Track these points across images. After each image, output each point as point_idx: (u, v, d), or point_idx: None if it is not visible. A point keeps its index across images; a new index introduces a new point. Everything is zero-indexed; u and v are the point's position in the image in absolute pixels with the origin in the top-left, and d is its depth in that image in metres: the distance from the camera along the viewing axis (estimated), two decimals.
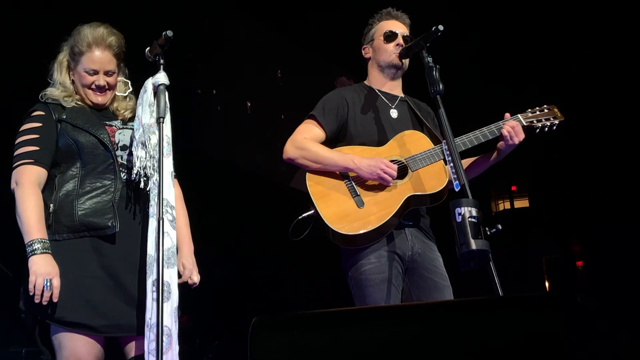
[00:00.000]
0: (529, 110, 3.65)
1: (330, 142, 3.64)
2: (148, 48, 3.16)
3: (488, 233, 2.85)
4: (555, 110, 3.68)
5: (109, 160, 3.18)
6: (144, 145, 3.12)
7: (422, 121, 3.70)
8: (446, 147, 3.21)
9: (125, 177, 3.19)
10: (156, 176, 3.02)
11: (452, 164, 3.11)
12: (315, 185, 3.46)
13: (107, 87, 3.29)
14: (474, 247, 2.79)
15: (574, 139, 7.89)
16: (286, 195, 7.02)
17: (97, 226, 3.08)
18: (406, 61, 3.69)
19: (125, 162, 3.21)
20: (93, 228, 3.08)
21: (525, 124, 3.57)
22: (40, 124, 3.21)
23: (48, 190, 3.15)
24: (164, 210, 2.94)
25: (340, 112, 3.65)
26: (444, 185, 3.41)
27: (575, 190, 8.83)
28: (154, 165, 3.08)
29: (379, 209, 3.36)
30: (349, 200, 3.40)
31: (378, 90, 3.74)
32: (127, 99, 3.42)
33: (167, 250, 2.91)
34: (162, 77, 3.14)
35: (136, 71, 3.42)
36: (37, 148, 3.15)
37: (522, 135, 3.50)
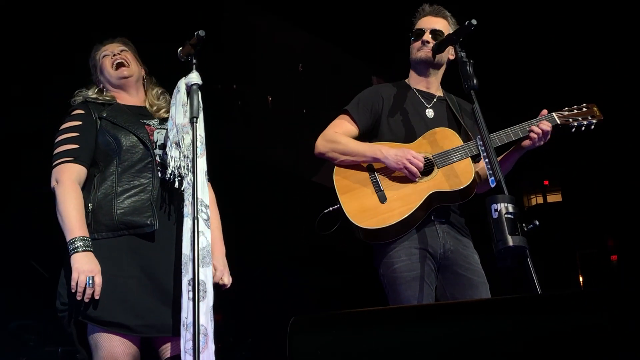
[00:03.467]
0: (566, 108, 3.60)
1: (364, 137, 3.63)
2: (180, 48, 3.17)
3: (525, 229, 2.82)
4: (595, 109, 3.62)
5: (147, 159, 3.21)
6: (177, 145, 3.13)
7: (459, 121, 3.67)
8: (481, 142, 3.18)
9: (162, 176, 3.20)
10: (190, 176, 3.03)
11: (487, 160, 3.08)
12: (341, 180, 3.48)
13: (125, 62, 3.40)
14: (511, 243, 2.77)
15: (607, 131, 7.80)
16: (311, 190, 7.03)
17: (137, 224, 3.11)
18: (439, 56, 3.64)
19: (162, 161, 3.23)
20: (132, 226, 3.10)
21: (559, 122, 3.53)
22: (80, 122, 3.25)
23: (86, 190, 3.18)
24: (198, 209, 2.95)
25: (375, 108, 3.64)
26: (469, 182, 3.39)
27: (608, 184, 8.73)
28: (187, 165, 3.08)
29: (400, 205, 3.36)
30: (372, 195, 3.40)
31: (415, 88, 3.72)
32: (161, 98, 3.48)
33: (202, 250, 2.92)
34: (195, 77, 3.14)
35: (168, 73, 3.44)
36: (76, 146, 3.19)
37: (548, 138, 3.49)
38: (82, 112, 3.28)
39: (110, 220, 3.10)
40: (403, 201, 3.36)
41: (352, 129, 3.61)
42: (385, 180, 3.43)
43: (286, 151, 7.95)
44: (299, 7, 7.00)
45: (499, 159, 3.55)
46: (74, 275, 2.94)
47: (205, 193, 3.05)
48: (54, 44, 5.46)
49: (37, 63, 5.52)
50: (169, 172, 3.14)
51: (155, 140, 3.27)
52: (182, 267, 2.96)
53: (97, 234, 3.10)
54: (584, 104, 3.63)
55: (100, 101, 3.34)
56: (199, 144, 3.05)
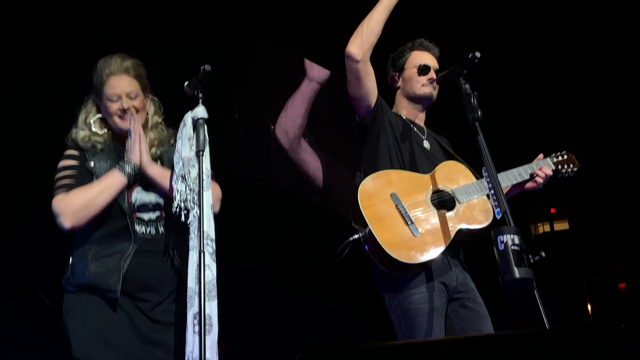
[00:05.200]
0: (553, 154, 3.84)
1: (364, 129, 3.64)
2: (187, 82, 3.20)
3: (531, 261, 2.82)
4: (574, 157, 3.86)
5: (123, 223, 3.20)
6: (184, 178, 3.15)
7: (449, 152, 3.74)
8: (486, 173, 3.19)
9: (142, 231, 3.22)
10: (196, 209, 3.04)
11: (492, 191, 3.09)
12: (368, 208, 3.33)
13: (132, 110, 3.28)
14: (517, 275, 2.76)
15: (613, 158, 7.79)
16: (315, 215, 7.03)
17: (101, 288, 3.11)
18: (436, 92, 3.73)
19: (144, 218, 3.25)
20: (98, 290, 3.12)
21: (554, 168, 3.79)
22: (76, 162, 3.27)
23: (71, 240, 3.25)
24: (204, 242, 2.95)
25: (384, 108, 3.65)
26: (490, 220, 3.42)
27: (616, 211, 8.70)
28: (194, 199, 3.10)
29: (433, 239, 3.32)
30: (404, 228, 3.31)
31: (408, 119, 3.76)
32: (159, 129, 3.44)
33: (208, 283, 2.93)
34: (201, 111, 3.17)
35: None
36: (73, 181, 3.21)
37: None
38: (77, 153, 3.29)
39: (82, 279, 3.13)
40: (436, 236, 3.33)
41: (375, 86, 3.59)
42: (413, 212, 3.36)
43: (288, 176, 7.97)
44: (301, 33, 7.05)
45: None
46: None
47: (211, 226, 3.05)
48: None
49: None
50: (175, 205, 3.14)
51: (133, 201, 3.25)
52: (188, 300, 2.97)
53: (73, 288, 3.16)
54: (565, 151, 3.87)
55: (90, 143, 3.30)
56: (205, 177, 3.07)
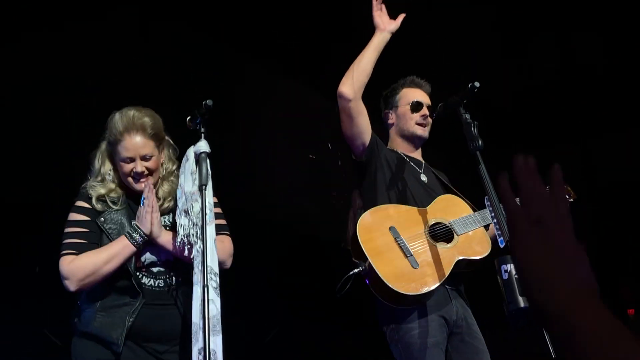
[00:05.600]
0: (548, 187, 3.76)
1: (360, 167, 3.66)
2: (189, 117, 3.22)
3: None
4: (569, 189, 3.83)
5: (129, 282, 3.18)
6: (187, 213, 3.15)
7: (447, 186, 3.77)
8: (489, 202, 3.20)
9: (150, 284, 3.22)
10: (200, 243, 3.04)
11: (495, 220, 3.10)
12: (367, 242, 3.36)
13: (146, 172, 3.25)
14: (522, 304, 2.76)
15: (616, 179, 7.79)
16: (315, 246, 7.02)
17: (105, 339, 3.11)
18: (429, 128, 3.80)
19: (153, 270, 3.24)
20: (102, 340, 3.12)
21: None
22: (86, 218, 3.26)
23: (78, 295, 3.24)
24: (208, 277, 2.95)
25: (379, 146, 3.68)
26: (489, 251, 3.44)
27: (622, 235, 8.67)
28: (197, 233, 3.10)
29: (433, 271, 3.33)
30: (404, 260, 3.33)
31: (405, 155, 3.80)
32: (171, 180, 3.40)
33: (212, 318, 2.91)
34: (203, 146, 3.18)
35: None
36: (84, 241, 3.20)
37: None
38: (88, 206, 3.26)
39: (87, 327, 3.14)
40: (435, 267, 3.34)
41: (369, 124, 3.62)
42: (412, 244, 3.39)
43: (294, 207, 7.98)
44: (300, 65, 7.10)
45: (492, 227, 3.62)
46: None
47: (215, 261, 3.05)
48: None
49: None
50: (179, 240, 3.15)
51: (143, 260, 3.24)
52: (192, 335, 2.95)
53: (80, 332, 3.17)
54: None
55: (105, 204, 3.28)
56: (207, 211, 3.07)
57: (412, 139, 3.83)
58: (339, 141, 3.91)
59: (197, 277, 3.02)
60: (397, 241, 3.38)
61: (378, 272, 3.25)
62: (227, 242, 3.34)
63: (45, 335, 5.60)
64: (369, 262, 3.28)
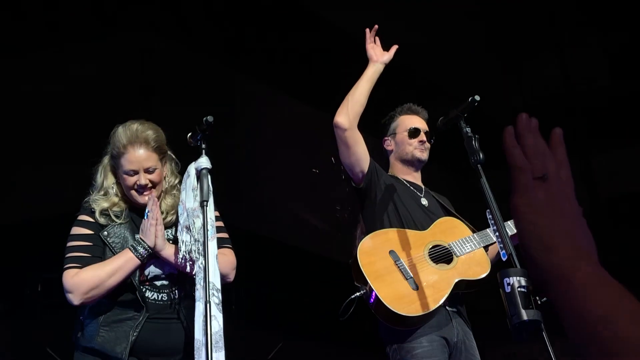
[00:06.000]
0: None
1: (360, 193, 3.72)
2: (190, 134, 3.23)
3: (539, 302, 2.80)
4: None
5: (133, 295, 3.19)
6: (188, 229, 3.15)
7: (448, 210, 3.83)
8: (490, 216, 3.19)
9: (154, 297, 3.21)
10: (201, 260, 3.04)
11: (497, 233, 3.09)
12: (368, 265, 3.43)
13: (149, 185, 3.26)
14: (525, 317, 2.74)
15: (620, 197, 7.79)
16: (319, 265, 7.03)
17: (109, 354, 3.10)
18: (428, 153, 3.87)
19: (156, 284, 3.24)
20: (105, 355, 3.11)
21: None
22: (89, 232, 3.25)
23: (80, 310, 3.24)
24: (210, 293, 2.94)
25: (379, 172, 3.74)
26: (488, 272, 3.49)
27: (626, 251, 8.66)
28: (199, 249, 3.10)
29: (432, 292, 3.39)
30: (403, 282, 3.40)
31: (405, 180, 3.86)
32: (174, 194, 3.39)
33: (214, 334, 2.90)
34: (204, 162, 3.19)
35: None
36: (88, 255, 3.20)
37: None
38: (91, 220, 3.27)
39: (90, 341, 3.12)
40: (434, 289, 3.40)
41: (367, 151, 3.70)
42: (411, 267, 3.45)
43: (299, 224, 7.99)
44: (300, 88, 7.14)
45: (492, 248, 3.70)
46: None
47: (217, 277, 3.05)
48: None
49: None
50: (180, 256, 3.15)
51: (147, 274, 3.24)
52: (195, 352, 2.94)
53: (82, 348, 3.16)
54: None
55: (109, 218, 3.28)
56: (209, 227, 3.07)
57: (412, 163, 3.91)
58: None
59: (199, 293, 3.01)
60: (396, 264, 3.46)
61: (379, 295, 3.33)
62: (229, 255, 3.34)
63: (47, 352, 5.59)
64: (370, 286, 3.36)
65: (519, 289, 2.79)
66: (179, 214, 3.24)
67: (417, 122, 3.93)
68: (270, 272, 7.94)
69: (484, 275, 3.50)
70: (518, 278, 2.81)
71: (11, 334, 6.15)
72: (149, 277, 3.23)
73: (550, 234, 1.02)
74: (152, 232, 3.16)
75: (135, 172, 3.23)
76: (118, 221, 3.28)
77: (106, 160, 3.35)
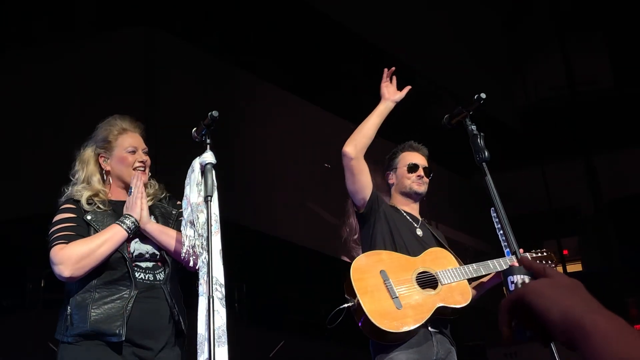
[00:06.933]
0: (533, 251, 4.00)
1: (362, 218, 3.98)
2: (194, 129, 3.23)
3: None
4: (552, 255, 4.04)
5: (124, 270, 3.24)
6: (192, 224, 3.16)
7: (440, 242, 4.06)
8: (494, 214, 3.19)
9: (141, 277, 3.27)
10: (205, 254, 3.04)
11: (501, 232, 3.09)
12: (358, 281, 3.70)
13: (147, 162, 3.47)
14: None
15: (622, 195, 7.79)
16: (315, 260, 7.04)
17: (106, 333, 3.13)
18: (426, 187, 4.13)
19: (141, 265, 3.30)
20: (102, 334, 3.13)
21: None
22: (74, 215, 3.32)
23: (67, 291, 3.27)
24: (213, 288, 2.94)
25: (379, 200, 3.98)
26: (468, 302, 3.75)
27: (629, 253, 8.65)
28: (202, 244, 3.10)
29: (414, 313, 3.65)
30: (389, 300, 3.66)
31: (403, 210, 4.11)
32: (152, 183, 3.54)
33: (217, 329, 2.90)
34: (209, 157, 3.19)
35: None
36: (72, 233, 3.25)
37: None
38: (74, 207, 3.35)
39: (83, 326, 3.14)
40: (416, 310, 3.66)
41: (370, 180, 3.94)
42: (399, 288, 3.71)
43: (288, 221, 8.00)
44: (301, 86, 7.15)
45: (474, 284, 3.94)
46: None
47: (220, 271, 3.05)
48: None
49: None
50: (184, 251, 3.15)
51: (132, 251, 3.30)
52: (198, 347, 2.94)
53: (72, 338, 3.16)
54: (545, 249, 4.09)
55: (89, 202, 3.36)
56: (213, 222, 3.07)
57: (410, 195, 4.14)
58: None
59: (202, 288, 3.01)
60: (385, 283, 3.71)
61: (364, 309, 3.59)
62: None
63: (49, 347, 5.59)
64: (358, 299, 3.62)
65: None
66: (182, 209, 3.24)
67: (416, 158, 4.17)
68: (273, 270, 7.95)
69: (464, 305, 3.73)
70: (522, 276, 2.81)
71: (13, 328, 6.15)
72: (134, 254, 3.30)
73: (562, 298, 1.14)
74: (138, 204, 3.28)
75: (136, 149, 3.44)
76: (102, 208, 3.36)
77: (86, 154, 3.46)
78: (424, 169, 4.15)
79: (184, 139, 3.39)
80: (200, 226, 3.14)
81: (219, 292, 2.99)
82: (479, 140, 3.21)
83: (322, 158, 8.24)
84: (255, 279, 7.73)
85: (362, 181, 3.89)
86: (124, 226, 3.24)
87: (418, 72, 8.40)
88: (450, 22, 9.10)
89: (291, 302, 8.11)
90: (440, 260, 3.90)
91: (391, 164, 4.25)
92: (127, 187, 3.40)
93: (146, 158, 3.46)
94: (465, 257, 4.04)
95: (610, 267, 8.85)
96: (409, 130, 4.41)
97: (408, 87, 4.00)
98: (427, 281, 3.77)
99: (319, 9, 7.53)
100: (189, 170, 3.28)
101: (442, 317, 3.75)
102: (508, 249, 3.01)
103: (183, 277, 3.41)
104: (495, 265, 3.84)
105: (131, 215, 3.27)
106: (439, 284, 3.77)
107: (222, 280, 3.03)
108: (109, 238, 3.21)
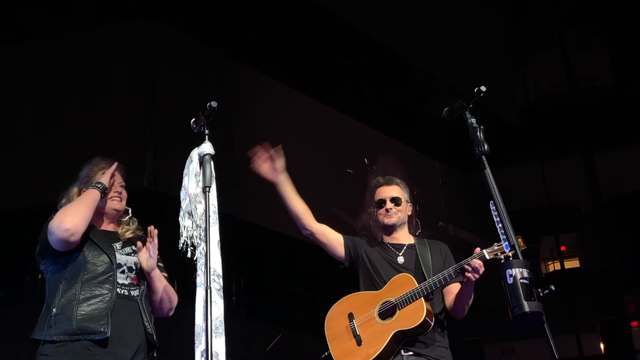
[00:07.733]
0: (496, 243, 3.88)
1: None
2: (193, 119, 3.22)
3: (541, 294, 2.78)
4: (520, 240, 3.81)
5: (109, 273, 3.41)
6: (190, 214, 3.16)
7: (420, 265, 4.14)
8: (494, 207, 3.17)
9: (120, 292, 3.42)
10: (203, 245, 3.04)
11: (500, 225, 3.07)
12: (329, 329, 4.11)
13: (123, 194, 3.67)
14: (527, 309, 2.72)
15: (624, 193, 7.78)
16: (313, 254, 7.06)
17: (91, 331, 3.26)
18: (402, 217, 4.30)
19: (119, 281, 3.44)
20: (87, 332, 3.26)
21: (488, 258, 3.87)
22: None
23: (51, 295, 3.38)
24: (211, 279, 2.94)
25: (361, 247, 4.27)
26: (422, 319, 3.85)
27: (627, 249, 8.65)
28: (200, 235, 3.10)
29: (371, 346, 3.91)
30: (351, 340, 4.00)
31: (387, 242, 4.30)
32: (130, 222, 3.71)
33: (215, 320, 2.90)
34: (207, 147, 3.18)
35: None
36: None
37: (482, 270, 3.85)
38: None
39: (69, 324, 3.26)
40: (373, 342, 3.92)
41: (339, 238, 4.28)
42: (361, 325, 4.01)
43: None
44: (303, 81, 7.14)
45: (453, 298, 4.03)
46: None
47: (218, 262, 3.04)
48: None
49: None
50: (182, 242, 3.15)
51: (117, 261, 3.47)
52: (195, 337, 2.94)
53: (56, 336, 3.26)
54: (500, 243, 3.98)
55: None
56: (211, 213, 3.07)
57: (386, 228, 4.33)
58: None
59: (200, 279, 3.02)
60: (349, 325, 4.05)
61: (332, 354, 4.03)
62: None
63: None
64: (328, 347, 4.01)
65: (522, 281, 2.77)
66: (181, 199, 3.23)
67: (382, 193, 4.35)
68: (271, 264, 7.94)
69: (420, 322, 3.85)
70: (520, 270, 2.80)
71: (11, 320, 6.14)
72: (117, 262, 3.47)
73: None
74: (108, 175, 3.58)
75: (112, 183, 3.63)
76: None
77: (72, 191, 3.63)
78: (391, 199, 4.31)
79: (184, 131, 3.37)
80: (198, 217, 3.13)
81: (217, 283, 2.98)
82: (478, 133, 3.19)
83: (321, 153, 8.23)
84: (254, 274, 7.73)
85: (331, 245, 4.25)
86: (96, 188, 3.50)
87: (418, 68, 8.39)
88: (451, 19, 9.08)
89: (291, 296, 8.11)
90: (400, 287, 4.03)
91: (369, 202, 4.48)
92: (110, 218, 3.64)
93: (122, 190, 3.66)
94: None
95: (608, 265, 8.85)
96: (412, 125, 4.38)
97: (275, 151, 4.16)
98: (388, 311, 3.97)
99: (320, 4, 7.52)
100: (187, 161, 3.27)
101: (413, 339, 3.91)
102: (507, 242, 2.98)
103: (182, 271, 3.41)
104: (452, 274, 3.93)
105: (100, 182, 3.53)
106: (397, 310, 3.96)
107: (219, 271, 3.03)
108: (87, 196, 3.48)
